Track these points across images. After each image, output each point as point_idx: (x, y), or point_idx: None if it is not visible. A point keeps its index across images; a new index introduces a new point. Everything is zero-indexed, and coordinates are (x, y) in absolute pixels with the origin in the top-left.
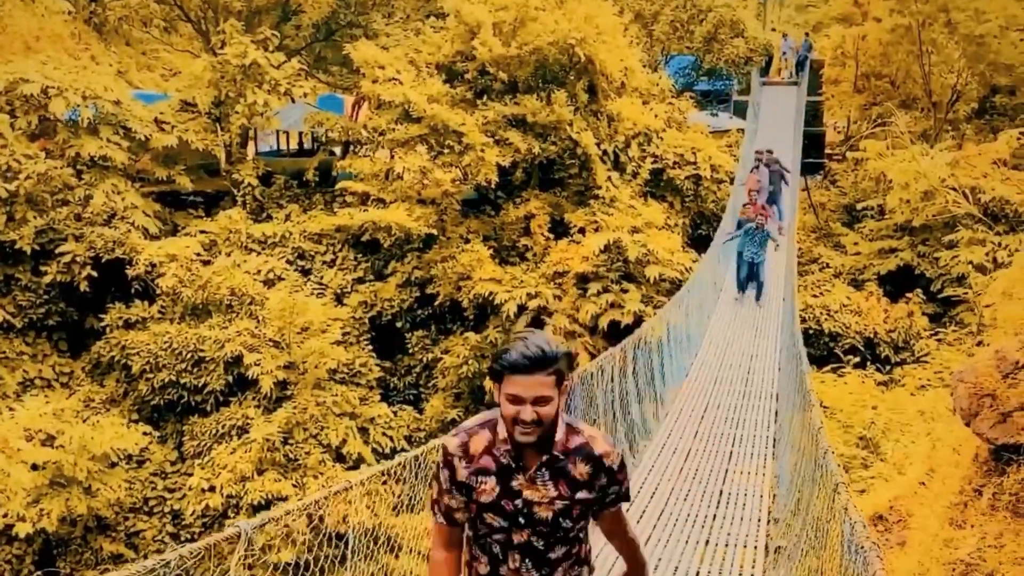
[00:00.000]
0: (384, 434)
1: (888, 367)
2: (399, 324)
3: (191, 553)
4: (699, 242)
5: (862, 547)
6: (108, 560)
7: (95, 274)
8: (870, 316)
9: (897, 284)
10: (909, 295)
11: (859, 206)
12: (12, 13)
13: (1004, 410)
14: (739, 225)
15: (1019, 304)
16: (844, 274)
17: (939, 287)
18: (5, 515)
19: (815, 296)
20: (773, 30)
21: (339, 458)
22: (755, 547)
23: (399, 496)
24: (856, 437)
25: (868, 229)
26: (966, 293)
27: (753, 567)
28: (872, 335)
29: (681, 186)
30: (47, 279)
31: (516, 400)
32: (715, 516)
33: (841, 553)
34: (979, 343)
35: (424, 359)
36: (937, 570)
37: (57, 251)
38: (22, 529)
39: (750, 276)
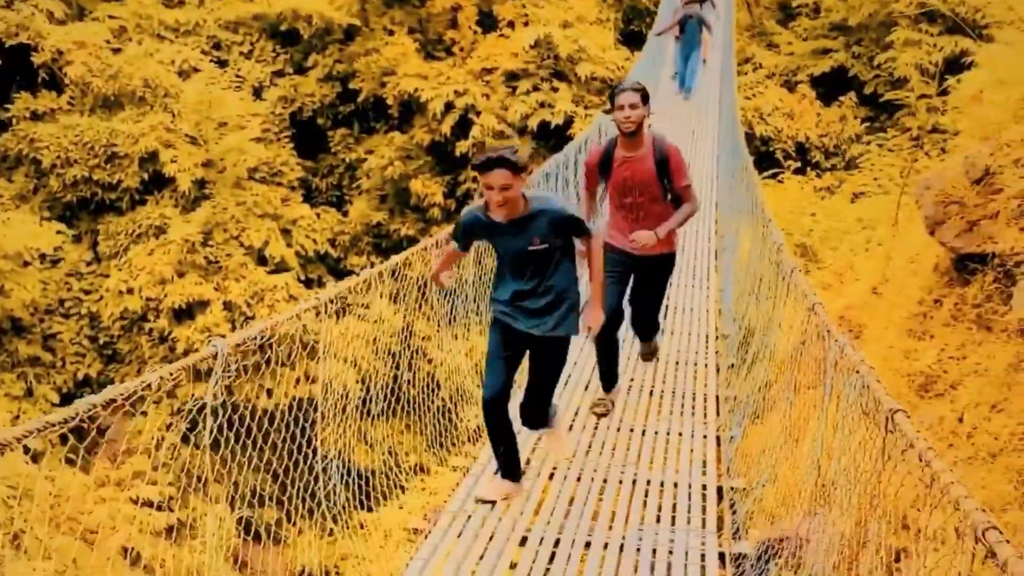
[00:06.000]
0: (308, 236)
1: (820, 173)
2: (320, 121)
3: (171, 375)
4: (631, 39)
5: (858, 371)
6: (25, 363)
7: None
8: (803, 120)
9: (830, 87)
10: (842, 98)
11: (794, 3)
12: None
13: (971, 219)
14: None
15: (989, 108)
16: (777, 75)
17: (873, 90)
18: None
19: (748, 98)
20: None
21: (261, 260)
22: (705, 365)
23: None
24: (795, 244)
25: (803, 28)
26: (907, 97)
27: (706, 385)
28: (804, 140)
29: None
30: None
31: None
32: (663, 331)
33: (824, 378)
34: (918, 146)
35: (347, 159)
36: (896, 382)
37: None
38: None
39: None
